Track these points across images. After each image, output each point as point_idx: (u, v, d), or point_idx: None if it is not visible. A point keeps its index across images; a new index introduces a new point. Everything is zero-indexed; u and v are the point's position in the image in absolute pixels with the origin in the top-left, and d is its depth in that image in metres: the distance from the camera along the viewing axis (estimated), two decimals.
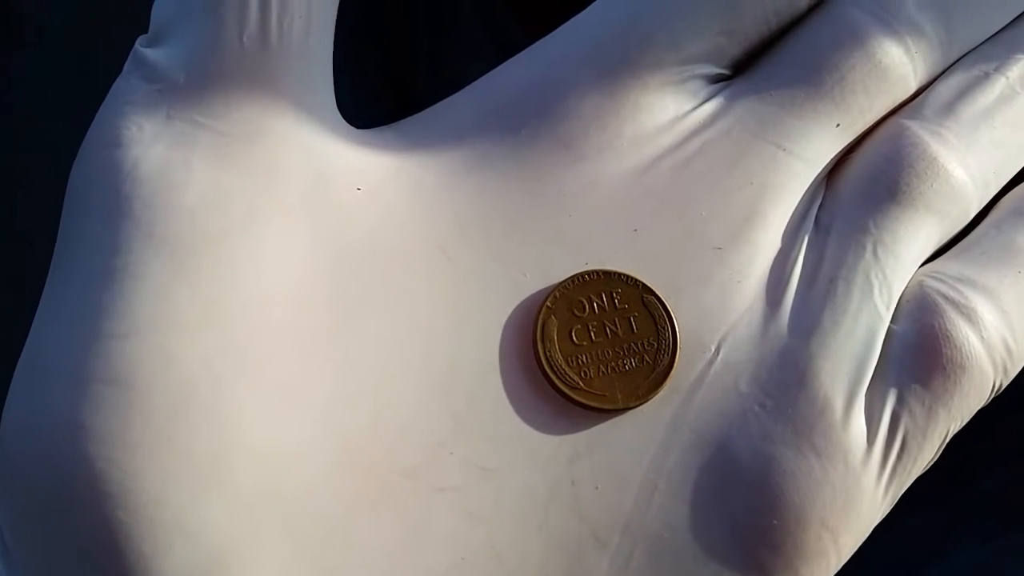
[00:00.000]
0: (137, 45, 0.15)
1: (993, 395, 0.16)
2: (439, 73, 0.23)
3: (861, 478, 0.14)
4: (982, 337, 0.15)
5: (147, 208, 0.14)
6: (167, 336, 0.13)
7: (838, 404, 0.14)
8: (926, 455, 0.15)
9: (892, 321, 0.15)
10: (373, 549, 0.13)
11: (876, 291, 0.15)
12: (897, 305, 0.15)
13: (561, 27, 0.16)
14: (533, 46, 0.16)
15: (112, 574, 0.12)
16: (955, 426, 0.15)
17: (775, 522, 0.14)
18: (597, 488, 0.14)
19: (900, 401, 0.15)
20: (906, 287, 0.16)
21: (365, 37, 0.23)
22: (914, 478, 0.15)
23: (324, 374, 0.14)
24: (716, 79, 0.16)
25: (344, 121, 0.15)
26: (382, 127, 0.16)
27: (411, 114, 0.16)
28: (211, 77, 0.14)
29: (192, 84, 0.14)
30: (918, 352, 0.15)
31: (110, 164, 0.14)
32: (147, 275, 0.13)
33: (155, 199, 0.14)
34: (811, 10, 0.16)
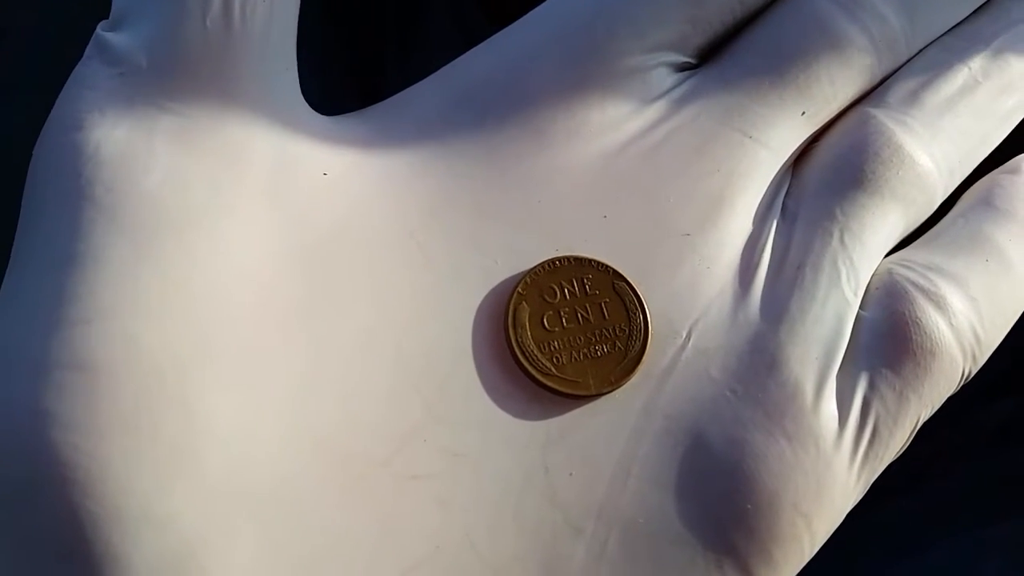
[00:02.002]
0: (99, 30, 0.15)
1: (963, 382, 0.16)
2: (406, 62, 0.23)
3: (833, 462, 0.14)
4: (951, 324, 0.15)
5: (109, 192, 0.13)
6: (131, 321, 0.13)
7: (808, 389, 0.14)
8: (897, 440, 0.15)
9: (862, 308, 0.15)
10: (344, 538, 0.13)
11: (843, 277, 0.15)
12: (867, 292, 0.15)
13: (528, 15, 0.16)
14: (499, 33, 0.16)
15: (79, 563, 0.12)
16: (926, 413, 0.15)
17: (748, 506, 0.14)
18: (571, 474, 0.14)
19: (871, 387, 0.15)
20: (875, 274, 0.16)
21: (331, 23, 0.23)
22: (886, 464, 0.15)
23: (292, 362, 0.14)
24: (682, 67, 0.16)
25: (309, 107, 0.15)
26: (348, 114, 0.16)
27: (377, 102, 0.16)
28: (174, 61, 0.14)
29: (155, 68, 0.14)
30: (888, 338, 0.15)
31: (71, 148, 0.14)
32: (109, 259, 0.13)
33: (117, 183, 0.13)
34: None
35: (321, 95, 0.16)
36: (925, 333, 0.15)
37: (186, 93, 0.14)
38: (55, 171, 0.14)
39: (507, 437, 0.14)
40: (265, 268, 0.14)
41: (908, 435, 0.15)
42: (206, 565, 0.12)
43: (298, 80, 0.15)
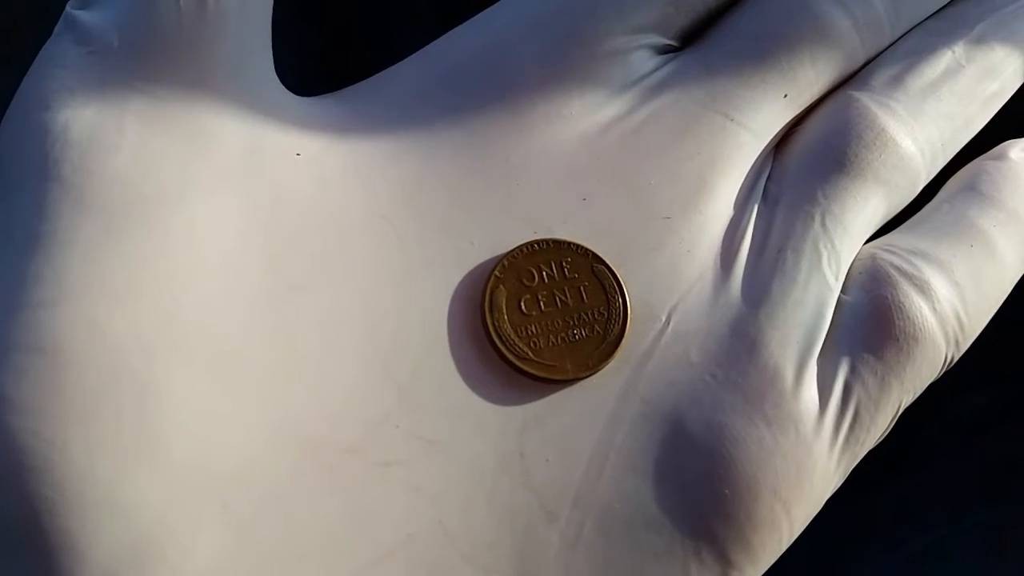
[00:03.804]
0: (68, 8, 0.14)
1: (945, 368, 0.16)
2: (381, 45, 0.23)
3: (813, 447, 0.14)
4: (935, 309, 0.15)
5: (76, 172, 0.13)
6: (95, 304, 0.12)
7: (788, 373, 0.14)
8: (879, 426, 0.15)
9: (844, 292, 0.15)
10: (315, 527, 0.13)
11: (824, 261, 0.15)
12: (849, 277, 0.15)
13: None
14: (480, 15, 0.16)
15: (36, 552, 0.12)
16: (907, 398, 0.15)
17: (726, 491, 0.14)
18: (547, 460, 0.14)
19: (852, 371, 0.15)
20: (858, 259, 0.16)
21: (305, 5, 0.22)
22: (867, 449, 0.15)
23: (261, 346, 0.13)
24: (664, 50, 0.16)
25: (284, 88, 0.15)
26: (325, 95, 0.16)
27: (352, 83, 0.16)
28: (146, 40, 0.14)
29: (126, 47, 0.14)
30: (870, 322, 0.15)
31: (39, 127, 0.13)
32: (75, 241, 0.13)
33: (85, 163, 0.13)
34: None
35: (297, 76, 0.15)
36: (908, 318, 0.15)
37: (157, 73, 0.14)
38: (22, 150, 0.13)
39: (482, 423, 0.14)
40: (234, 250, 0.13)
41: (890, 420, 0.15)
42: (168, 553, 0.12)
43: (272, 60, 0.15)
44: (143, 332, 0.12)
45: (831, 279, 0.15)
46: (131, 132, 0.13)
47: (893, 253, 0.15)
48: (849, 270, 0.15)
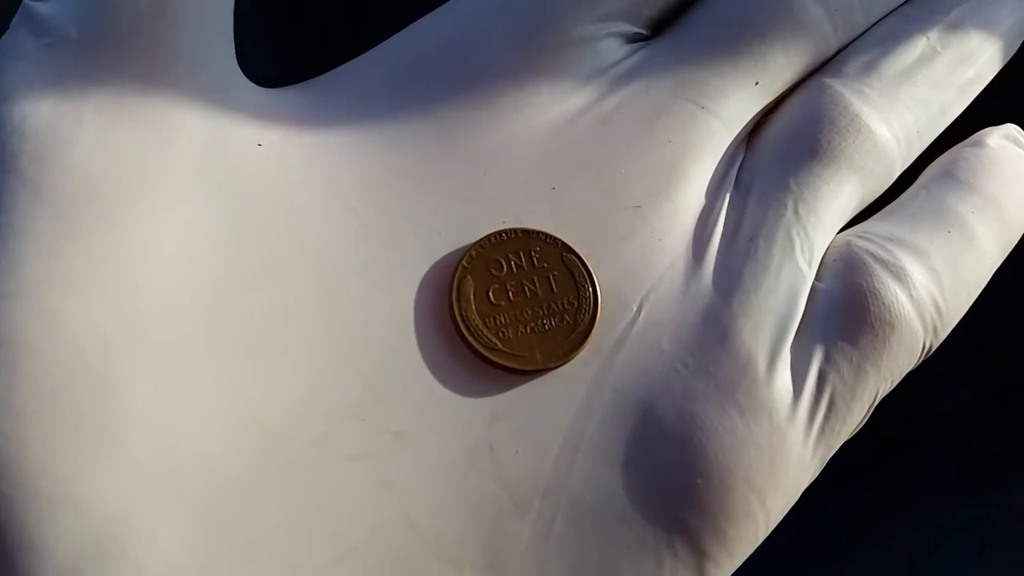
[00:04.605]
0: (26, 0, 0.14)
1: (924, 356, 0.15)
2: (362, 30, 0.22)
3: (787, 436, 0.14)
4: (911, 296, 0.15)
5: (33, 164, 0.13)
6: (52, 296, 0.12)
7: (761, 361, 0.14)
8: (856, 415, 0.15)
9: (818, 280, 0.15)
10: (279, 521, 0.13)
11: (797, 248, 0.15)
12: (824, 264, 0.15)
13: None
14: (447, 4, 0.16)
15: None
16: (885, 387, 0.15)
17: (699, 481, 0.13)
18: (517, 452, 0.14)
19: (827, 359, 0.14)
20: (833, 246, 0.15)
21: (285, 6, 0.22)
22: (844, 439, 0.15)
23: (223, 339, 0.13)
24: (633, 38, 0.16)
25: (246, 79, 0.15)
26: (289, 87, 0.15)
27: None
28: (104, 31, 0.14)
29: (84, 38, 0.14)
30: (845, 310, 0.15)
31: None
32: (32, 233, 0.12)
33: (42, 155, 0.13)
34: None
35: (277, 67, 0.15)
36: (884, 304, 0.15)
37: (116, 64, 0.14)
38: None
39: (450, 415, 0.14)
40: (195, 243, 0.13)
41: (867, 409, 0.15)
42: (129, 549, 0.12)
43: (234, 51, 0.15)
44: (101, 325, 0.12)
45: (804, 267, 0.15)
46: (89, 124, 0.13)
47: (868, 240, 0.15)
48: (824, 258, 0.15)
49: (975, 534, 0.24)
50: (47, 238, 0.13)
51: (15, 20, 0.14)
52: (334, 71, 0.16)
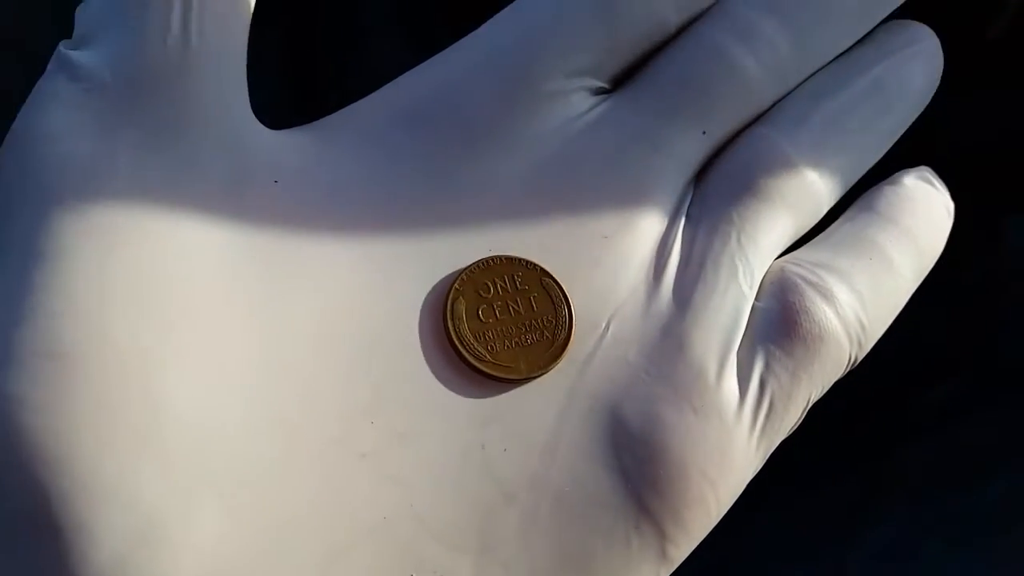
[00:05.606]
0: (61, 48, 0.16)
1: (850, 366, 0.18)
2: (343, 75, 0.23)
3: (734, 433, 0.16)
4: (837, 313, 0.17)
5: (77, 196, 0.14)
6: (98, 313, 0.14)
7: (712, 369, 0.16)
8: (792, 415, 0.17)
9: (758, 299, 0.17)
10: (301, 510, 0.14)
11: (740, 273, 0.17)
12: (762, 287, 0.18)
13: (462, 40, 0.18)
14: (437, 56, 0.18)
15: (49, 539, 0.13)
16: (816, 392, 0.17)
17: (661, 473, 0.16)
18: (505, 450, 0.16)
19: (767, 367, 0.17)
20: (770, 271, 0.18)
21: (274, 40, 0.23)
22: (783, 436, 0.17)
23: (250, 349, 0.15)
24: (598, 91, 0.18)
25: (257, 120, 0.17)
26: (295, 128, 0.17)
27: (313, 111, 0.18)
28: (136, 78, 0.15)
29: (118, 84, 0.15)
30: (780, 325, 0.17)
31: (41, 158, 0.15)
32: (79, 257, 0.14)
33: (85, 188, 0.15)
34: (680, 32, 0.18)
35: (260, 108, 0.17)
36: (813, 320, 0.17)
37: (147, 107, 0.15)
38: (24, 180, 0.15)
39: (448, 418, 0.16)
40: (223, 264, 0.15)
41: (801, 411, 0.17)
42: (170, 535, 0.13)
43: (248, 95, 0.17)
44: (142, 338, 0.14)
45: (746, 288, 0.17)
46: (125, 160, 0.15)
47: (799, 265, 0.18)
48: (763, 281, 0.18)
49: (955, 526, 0.24)
50: (93, 261, 0.14)
51: (51, 66, 0.16)
52: (333, 115, 0.18)
